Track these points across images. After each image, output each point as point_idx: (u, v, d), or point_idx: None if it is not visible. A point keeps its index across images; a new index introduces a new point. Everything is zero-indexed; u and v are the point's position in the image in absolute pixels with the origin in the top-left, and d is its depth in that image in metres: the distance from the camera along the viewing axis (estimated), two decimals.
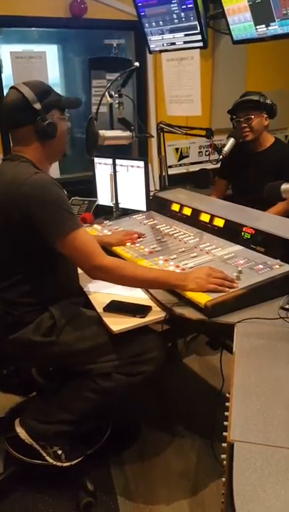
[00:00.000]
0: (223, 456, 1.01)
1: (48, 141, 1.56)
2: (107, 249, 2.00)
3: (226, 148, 2.27)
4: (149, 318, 1.53)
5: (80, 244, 1.49)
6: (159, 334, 1.63)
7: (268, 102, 2.54)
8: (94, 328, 1.57)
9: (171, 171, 3.18)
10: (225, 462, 1.00)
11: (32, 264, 1.56)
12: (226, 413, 1.06)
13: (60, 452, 1.69)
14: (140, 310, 1.55)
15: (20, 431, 1.69)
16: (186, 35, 2.14)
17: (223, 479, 1.04)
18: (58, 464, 1.69)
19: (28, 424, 1.69)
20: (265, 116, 2.56)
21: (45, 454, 1.68)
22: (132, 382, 1.57)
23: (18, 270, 1.56)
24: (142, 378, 1.58)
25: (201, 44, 2.12)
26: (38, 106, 1.51)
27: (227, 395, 1.12)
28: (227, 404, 1.09)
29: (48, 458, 1.68)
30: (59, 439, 1.70)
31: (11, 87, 1.56)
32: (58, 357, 1.59)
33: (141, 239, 2.04)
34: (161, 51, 2.41)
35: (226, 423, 1.03)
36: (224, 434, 1.01)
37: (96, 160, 2.56)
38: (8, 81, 2.96)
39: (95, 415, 1.69)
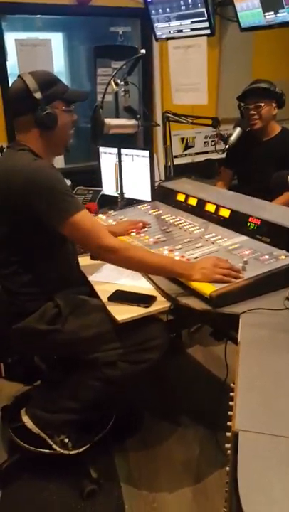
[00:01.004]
0: (227, 445, 1.01)
1: (48, 131, 1.55)
2: None
3: (233, 138, 2.25)
4: (154, 308, 1.53)
5: (85, 225, 1.49)
6: (163, 322, 1.62)
7: (278, 91, 2.51)
8: (98, 317, 1.57)
9: (176, 161, 3.16)
10: (229, 452, 1.00)
11: (32, 252, 1.56)
12: (231, 403, 1.06)
13: (66, 440, 1.70)
14: (145, 300, 1.55)
15: (27, 420, 1.69)
16: (193, 22, 2.12)
17: (227, 468, 1.04)
18: (65, 452, 1.70)
19: (34, 413, 1.70)
20: (275, 105, 2.53)
21: (52, 443, 1.69)
22: (137, 370, 1.58)
23: (18, 258, 1.56)
24: (146, 366, 1.58)
25: (208, 31, 2.10)
26: (38, 95, 1.49)
27: (232, 385, 1.12)
28: (231, 394, 1.08)
29: (55, 446, 1.69)
30: (66, 428, 1.70)
31: (18, 76, 1.55)
32: (63, 345, 1.59)
33: (146, 228, 2.03)
34: (167, 38, 2.39)
35: (230, 413, 1.03)
36: (228, 423, 1.01)
37: (101, 149, 2.55)
38: (13, 69, 2.94)
39: (101, 404, 1.69)
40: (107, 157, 2.52)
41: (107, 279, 1.71)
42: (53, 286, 1.61)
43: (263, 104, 2.49)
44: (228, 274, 1.49)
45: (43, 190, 1.45)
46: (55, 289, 1.61)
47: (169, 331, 1.70)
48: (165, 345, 1.61)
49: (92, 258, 1.89)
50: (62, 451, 1.70)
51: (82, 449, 1.72)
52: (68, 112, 1.60)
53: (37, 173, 1.46)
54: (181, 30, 2.22)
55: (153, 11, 2.29)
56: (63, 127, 1.59)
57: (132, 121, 1.98)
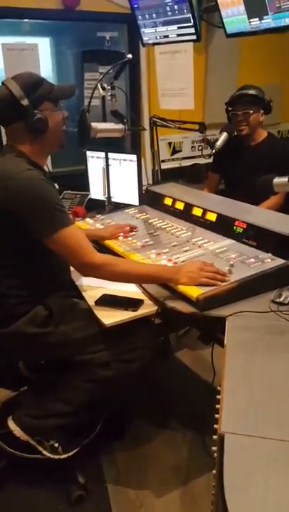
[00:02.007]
0: (214, 448, 1.02)
1: (40, 136, 1.54)
2: (100, 242, 1.99)
3: (219, 143, 2.27)
4: (141, 311, 1.53)
5: (70, 241, 1.49)
6: (151, 321, 1.63)
7: (266, 98, 2.53)
8: (90, 318, 1.57)
9: (164, 166, 3.17)
10: (216, 454, 1.00)
11: (22, 256, 1.55)
12: (217, 406, 1.06)
13: (56, 445, 1.68)
14: (132, 303, 1.55)
15: (15, 428, 1.67)
16: (179, 27, 2.13)
17: (214, 471, 1.04)
18: (56, 457, 1.68)
19: (22, 420, 1.68)
20: (262, 112, 2.56)
21: (41, 449, 1.67)
22: (130, 369, 1.59)
23: (7, 262, 1.55)
24: (139, 365, 1.60)
25: (194, 37, 2.11)
26: (25, 102, 1.48)
27: (218, 387, 1.12)
28: (218, 397, 1.09)
29: (44, 452, 1.68)
30: (55, 433, 1.69)
31: (1, 83, 1.53)
32: (55, 347, 1.59)
33: (133, 232, 2.04)
34: (154, 44, 2.39)
35: (216, 416, 1.03)
36: (215, 426, 1.02)
37: (88, 153, 2.55)
38: (0, 73, 2.92)
39: (91, 406, 1.68)
40: (95, 161, 2.52)
41: (94, 283, 1.70)
42: (43, 290, 1.60)
43: (251, 112, 2.51)
44: (213, 277, 1.50)
45: (33, 203, 1.44)
46: (46, 292, 1.61)
47: (157, 332, 1.71)
48: (154, 343, 1.64)
49: None
50: (52, 456, 1.68)
51: (73, 452, 1.71)
52: (57, 111, 1.59)
53: (28, 185, 1.44)
54: (167, 36, 2.23)
55: (140, 17, 2.29)
56: (55, 127, 1.57)
57: (119, 126, 1.98)
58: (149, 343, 1.64)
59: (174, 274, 1.54)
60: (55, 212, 1.46)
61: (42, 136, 1.54)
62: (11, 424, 1.68)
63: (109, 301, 1.59)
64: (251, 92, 2.52)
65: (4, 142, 1.63)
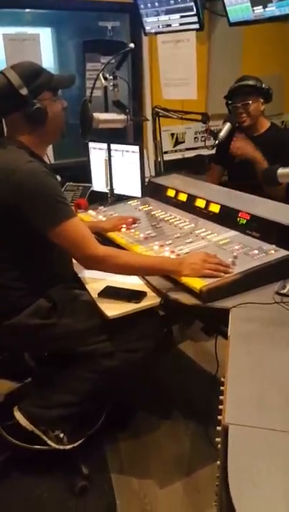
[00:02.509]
0: (218, 439, 1.01)
1: (40, 126, 1.52)
2: (102, 234, 1.99)
3: (222, 134, 2.25)
4: (144, 303, 1.53)
5: (72, 234, 1.48)
6: (155, 311, 1.63)
7: (264, 86, 2.51)
8: (93, 309, 1.57)
9: (166, 157, 3.16)
10: (219, 445, 1.00)
11: (24, 249, 1.54)
12: (221, 397, 1.06)
13: (62, 435, 1.69)
14: (135, 295, 1.55)
15: (20, 417, 1.67)
16: (181, 16, 2.11)
17: (218, 462, 1.04)
18: (61, 447, 1.69)
19: (27, 410, 1.68)
20: (262, 101, 2.53)
21: (46, 439, 1.68)
22: (133, 359, 1.60)
23: (9, 255, 1.54)
24: (142, 355, 1.61)
25: (197, 26, 2.09)
26: (24, 91, 1.46)
27: (222, 379, 1.12)
28: (222, 388, 1.09)
29: (50, 442, 1.68)
30: (61, 423, 1.69)
31: (0, 72, 1.51)
32: (59, 338, 1.59)
33: (136, 224, 2.03)
34: (156, 33, 2.37)
35: (220, 407, 1.03)
36: (219, 417, 1.01)
37: (91, 145, 2.53)
38: (1, 64, 2.90)
39: (95, 396, 1.69)
40: (97, 152, 2.50)
41: (97, 275, 1.70)
42: (45, 282, 1.60)
43: (250, 102, 2.49)
44: (217, 269, 1.50)
45: (35, 196, 1.43)
46: (48, 284, 1.60)
47: (161, 322, 1.71)
48: (158, 333, 1.64)
49: None
50: (57, 446, 1.68)
51: (78, 442, 1.71)
52: (57, 101, 1.57)
53: (30, 178, 1.43)
54: (170, 25, 2.21)
55: (142, 5, 2.27)
56: (55, 117, 1.55)
57: (122, 116, 1.96)
58: (153, 333, 1.64)
59: (177, 266, 1.53)
60: (58, 204, 1.45)
61: (42, 126, 1.53)
62: (17, 414, 1.68)
63: (112, 293, 1.59)
64: (248, 82, 2.50)
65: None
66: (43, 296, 1.57)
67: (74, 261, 1.68)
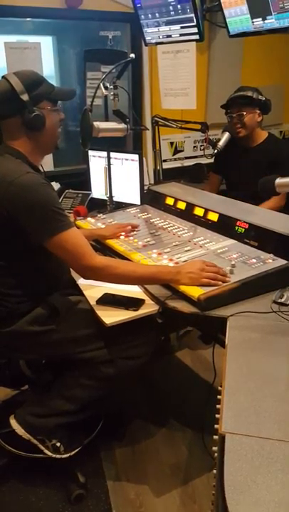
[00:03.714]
0: (215, 448, 1.02)
1: (36, 133, 1.54)
2: (101, 241, 1.99)
3: (221, 143, 2.27)
4: (142, 311, 1.53)
5: (69, 245, 1.48)
6: (153, 318, 1.63)
7: (262, 98, 2.52)
8: (91, 316, 1.57)
9: (165, 165, 3.17)
10: (216, 454, 1.00)
11: (21, 257, 1.55)
12: (218, 406, 1.07)
13: (58, 444, 1.69)
14: (133, 303, 1.55)
15: (17, 427, 1.67)
16: (182, 27, 2.13)
17: (214, 471, 1.04)
18: (58, 456, 1.69)
19: (25, 419, 1.68)
20: (258, 112, 2.55)
21: (43, 448, 1.68)
22: (133, 365, 1.61)
23: (7, 263, 1.55)
24: (141, 362, 1.62)
25: (197, 37, 2.11)
26: (25, 97, 1.48)
27: (219, 387, 1.12)
28: (219, 397, 1.09)
29: (46, 451, 1.68)
30: (58, 432, 1.70)
31: (2, 77, 1.54)
32: (58, 345, 1.59)
33: (135, 232, 2.04)
34: (157, 43, 2.39)
35: (217, 416, 1.03)
36: (215, 426, 1.02)
37: (90, 153, 2.55)
38: (2, 72, 2.92)
39: (94, 404, 1.69)
40: (97, 160, 2.52)
41: (96, 282, 1.70)
42: (44, 289, 1.60)
43: (244, 113, 2.51)
44: (214, 277, 1.50)
45: (32, 207, 1.43)
46: (47, 291, 1.61)
47: (160, 330, 1.71)
48: (157, 341, 1.65)
49: None
50: (54, 455, 1.68)
51: (74, 451, 1.71)
52: (55, 112, 1.59)
53: (29, 189, 1.43)
54: (170, 36, 2.23)
55: (142, 16, 2.29)
56: (51, 127, 1.58)
57: (121, 125, 1.98)
58: (152, 340, 1.65)
59: (174, 275, 1.54)
60: (55, 215, 1.45)
61: (37, 134, 1.54)
62: (13, 423, 1.68)
63: (110, 300, 1.59)
64: (244, 93, 2.52)
65: None
66: (42, 303, 1.58)
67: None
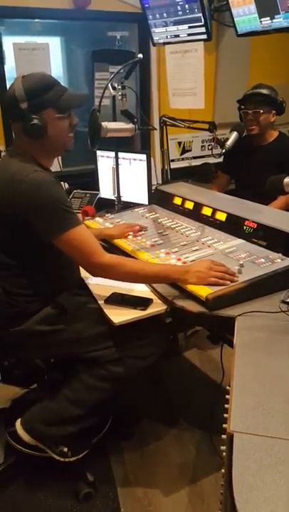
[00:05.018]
0: (223, 447, 1.02)
1: (38, 140, 1.51)
2: (109, 241, 2.00)
3: (229, 142, 2.26)
4: (150, 310, 1.53)
5: (78, 242, 1.49)
6: (162, 319, 1.64)
7: (279, 98, 2.51)
8: (100, 315, 1.58)
9: (173, 165, 3.17)
10: (224, 453, 1.00)
11: (30, 257, 1.55)
12: (226, 405, 1.07)
13: (66, 450, 1.69)
14: (141, 302, 1.56)
15: (23, 434, 1.66)
16: (190, 27, 2.13)
17: (223, 471, 1.04)
18: (65, 460, 1.68)
19: (32, 427, 1.66)
20: (274, 112, 2.54)
21: (50, 452, 1.68)
22: (142, 365, 1.60)
23: (16, 262, 1.55)
24: (150, 362, 1.62)
25: (205, 36, 2.11)
26: (24, 105, 1.45)
27: (227, 387, 1.13)
28: (227, 396, 1.09)
29: (53, 455, 1.68)
30: (66, 440, 1.68)
31: (16, 78, 1.51)
32: (67, 344, 1.60)
33: (142, 232, 2.04)
34: (164, 43, 2.39)
35: (225, 415, 1.03)
36: (224, 425, 1.02)
37: (98, 153, 2.56)
38: (11, 73, 2.94)
39: (103, 406, 1.68)
40: (105, 160, 2.53)
41: (104, 281, 1.71)
42: (53, 289, 1.61)
43: (261, 111, 2.50)
44: (222, 277, 1.50)
45: (42, 206, 1.44)
46: (56, 290, 1.61)
47: (169, 330, 1.71)
48: (166, 340, 1.66)
49: None
50: (61, 459, 1.68)
51: (82, 454, 1.71)
52: (63, 119, 1.54)
53: (38, 188, 1.43)
54: (178, 35, 2.23)
55: (150, 16, 2.30)
56: (56, 133, 1.53)
57: (129, 125, 1.98)
58: (162, 340, 1.66)
59: (182, 275, 1.54)
60: (64, 213, 1.46)
61: (39, 141, 1.52)
62: (20, 430, 1.67)
63: (118, 299, 1.60)
64: (263, 91, 2.50)
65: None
66: (51, 303, 1.59)
67: (81, 267, 1.70)
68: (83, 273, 1.72)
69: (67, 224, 1.46)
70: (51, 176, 1.52)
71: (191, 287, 1.51)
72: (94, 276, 1.61)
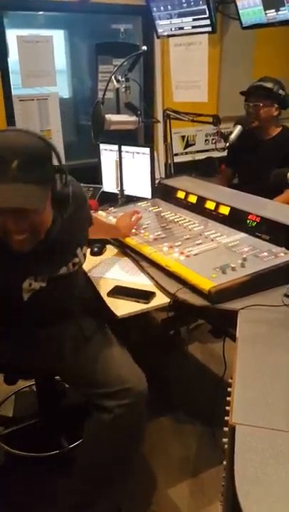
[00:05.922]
0: (225, 440, 1.02)
1: None
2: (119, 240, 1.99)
3: (233, 136, 2.26)
4: (153, 303, 1.54)
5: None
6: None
7: (282, 92, 2.48)
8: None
9: (177, 159, 3.16)
10: (226, 446, 1.01)
11: None
12: (228, 398, 1.07)
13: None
14: (144, 295, 1.56)
15: None
16: (194, 19, 2.12)
17: (224, 463, 1.05)
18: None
19: None
20: (276, 106, 2.52)
21: None
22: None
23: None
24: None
25: (209, 29, 2.10)
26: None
27: (229, 380, 1.13)
28: (229, 389, 1.09)
29: None
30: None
31: (19, 130, 1.23)
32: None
33: (146, 225, 2.04)
34: (169, 36, 2.39)
35: (227, 408, 1.04)
36: (226, 418, 1.02)
37: (102, 146, 2.55)
38: (14, 66, 2.94)
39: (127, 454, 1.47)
40: (108, 154, 2.52)
41: (107, 274, 1.71)
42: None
43: (261, 105, 2.48)
44: None
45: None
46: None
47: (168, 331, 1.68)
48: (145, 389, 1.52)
49: (93, 254, 1.90)
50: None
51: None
52: None
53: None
54: (182, 28, 2.22)
55: (154, 8, 2.29)
56: None
57: (133, 118, 1.98)
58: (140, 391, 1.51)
59: None
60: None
61: None
62: None
63: (121, 292, 1.60)
64: (265, 84, 2.49)
65: None
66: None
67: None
68: (86, 266, 1.72)
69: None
70: None
71: (194, 281, 1.50)
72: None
